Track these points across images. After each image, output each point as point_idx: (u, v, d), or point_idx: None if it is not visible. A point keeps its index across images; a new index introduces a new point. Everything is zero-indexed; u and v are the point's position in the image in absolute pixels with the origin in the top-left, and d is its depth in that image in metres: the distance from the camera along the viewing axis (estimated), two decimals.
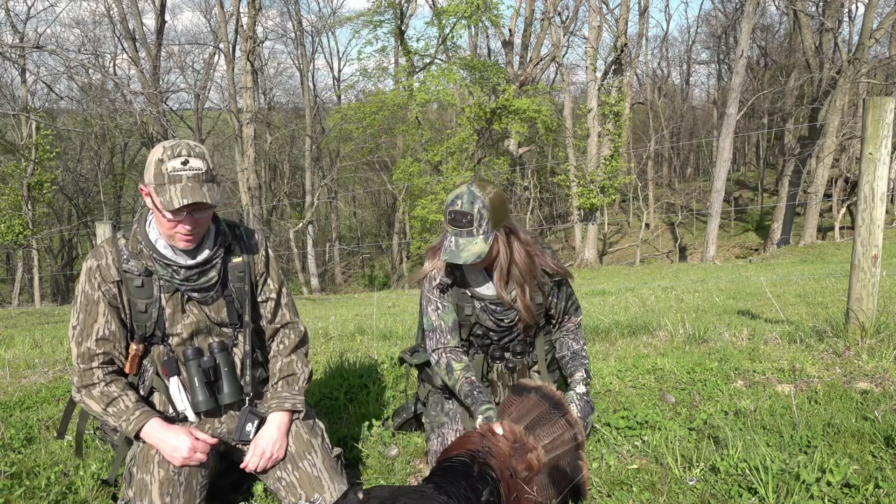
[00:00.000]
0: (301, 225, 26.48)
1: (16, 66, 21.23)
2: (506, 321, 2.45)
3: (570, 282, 2.59)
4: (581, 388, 2.48)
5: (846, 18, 26.21)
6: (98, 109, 22.18)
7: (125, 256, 2.00)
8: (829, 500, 1.95)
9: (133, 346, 2.06)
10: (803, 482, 1.99)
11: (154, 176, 1.86)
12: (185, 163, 1.85)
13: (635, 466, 2.31)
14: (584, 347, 2.61)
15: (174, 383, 2.08)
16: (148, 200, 1.95)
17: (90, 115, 24.07)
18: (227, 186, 31.22)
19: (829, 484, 2.00)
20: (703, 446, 2.39)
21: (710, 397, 2.94)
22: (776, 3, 29.12)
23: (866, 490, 1.97)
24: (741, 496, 2.02)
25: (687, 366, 3.36)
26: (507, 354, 2.56)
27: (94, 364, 2.00)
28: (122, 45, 26.15)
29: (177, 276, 2.00)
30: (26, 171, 21.33)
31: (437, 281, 2.47)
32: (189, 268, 2.00)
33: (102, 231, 5.28)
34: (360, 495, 1.72)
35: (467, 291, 2.46)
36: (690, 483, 2.13)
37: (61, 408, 3.26)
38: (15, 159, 22.11)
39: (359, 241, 37.30)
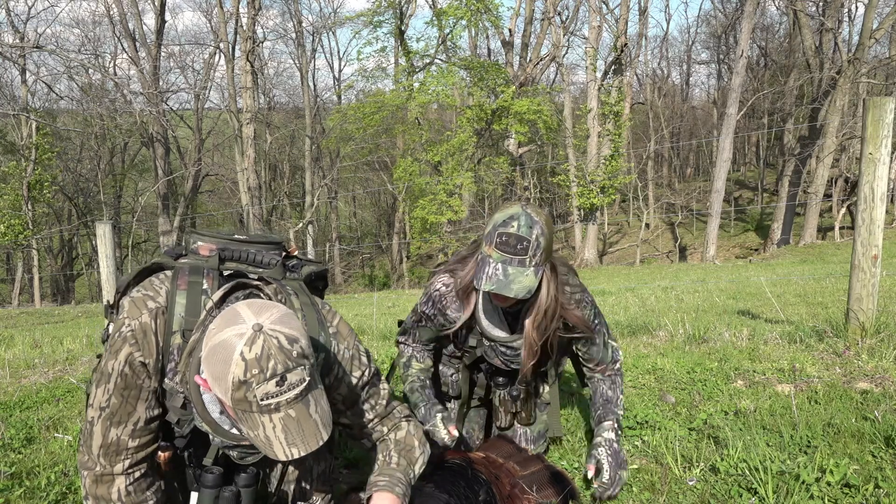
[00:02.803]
0: (301, 225, 26.45)
1: (16, 66, 21.24)
2: (513, 364, 2.24)
3: (602, 329, 2.31)
4: (609, 435, 2.21)
5: (846, 18, 26.19)
6: (98, 109, 22.19)
7: (171, 367, 1.54)
8: (829, 500, 1.95)
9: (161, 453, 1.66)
10: (803, 482, 1.99)
11: (235, 401, 1.28)
12: (281, 381, 1.27)
13: (635, 466, 2.31)
14: (621, 396, 2.33)
15: (194, 498, 1.72)
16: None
17: (90, 115, 24.08)
18: (227, 187, 31.23)
19: (828, 484, 2.00)
20: (703, 446, 2.39)
21: (710, 397, 2.94)
22: (776, 3, 29.12)
23: (866, 490, 1.97)
24: (741, 496, 2.02)
25: (687, 366, 3.36)
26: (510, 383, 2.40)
27: (118, 468, 1.57)
28: (122, 45, 26.16)
29: (216, 438, 1.56)
30: (26, 171, 21.34)
31: (443, 307, 2.21)
32: (242, 444, 1.56)
33: (102, 231, 5.27)
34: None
35: (476, 329, 2.20)
36: (690, 483, 2.13)
37: (61, 408, 3.25)
38: (15, 159, 22.11)
39: (359, 241, 37.29)
